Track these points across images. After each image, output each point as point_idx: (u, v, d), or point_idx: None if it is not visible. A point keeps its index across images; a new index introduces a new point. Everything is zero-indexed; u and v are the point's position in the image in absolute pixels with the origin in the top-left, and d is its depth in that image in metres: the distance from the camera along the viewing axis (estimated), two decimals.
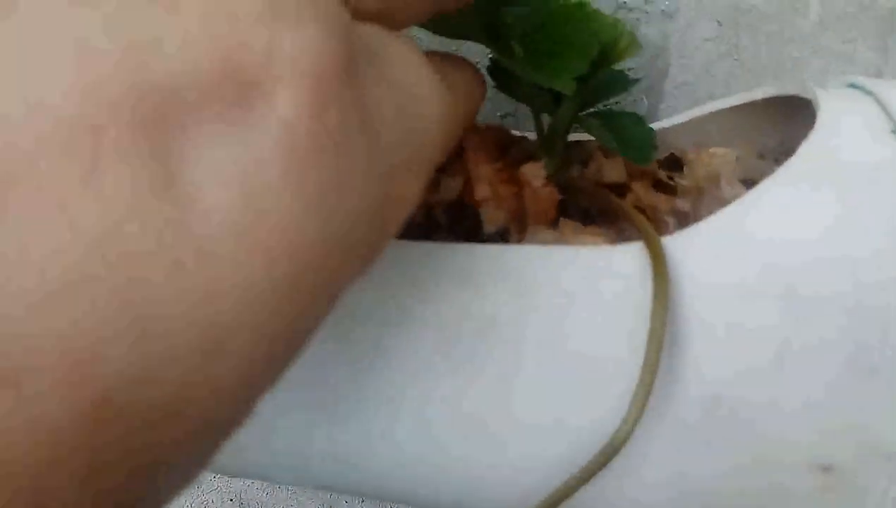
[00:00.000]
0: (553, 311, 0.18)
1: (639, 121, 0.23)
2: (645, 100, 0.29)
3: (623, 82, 0.24)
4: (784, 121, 0.25)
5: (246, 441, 0.19)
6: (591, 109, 0.23)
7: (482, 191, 0.21)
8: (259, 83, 0.08)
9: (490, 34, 0.19)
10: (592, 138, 0.28)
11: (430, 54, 0.15)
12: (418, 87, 0.12)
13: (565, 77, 0.18)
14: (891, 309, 0.17)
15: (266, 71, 0.08)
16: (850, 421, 0.17)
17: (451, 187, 0.22)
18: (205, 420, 0.09)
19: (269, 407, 0.19)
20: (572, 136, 0.27)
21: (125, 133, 0.07)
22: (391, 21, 0.13)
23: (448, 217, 0.21)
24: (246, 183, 0.08)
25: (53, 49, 0.07)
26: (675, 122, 0.27)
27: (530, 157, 0.24)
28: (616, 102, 0.29)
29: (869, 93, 0.20)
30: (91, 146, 0.07)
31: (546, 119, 0.23)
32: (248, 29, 0.08)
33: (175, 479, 0.09)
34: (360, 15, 0.12)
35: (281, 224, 0.08)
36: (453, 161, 0.23)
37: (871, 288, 0.17)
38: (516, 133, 0.26)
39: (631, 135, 0.22)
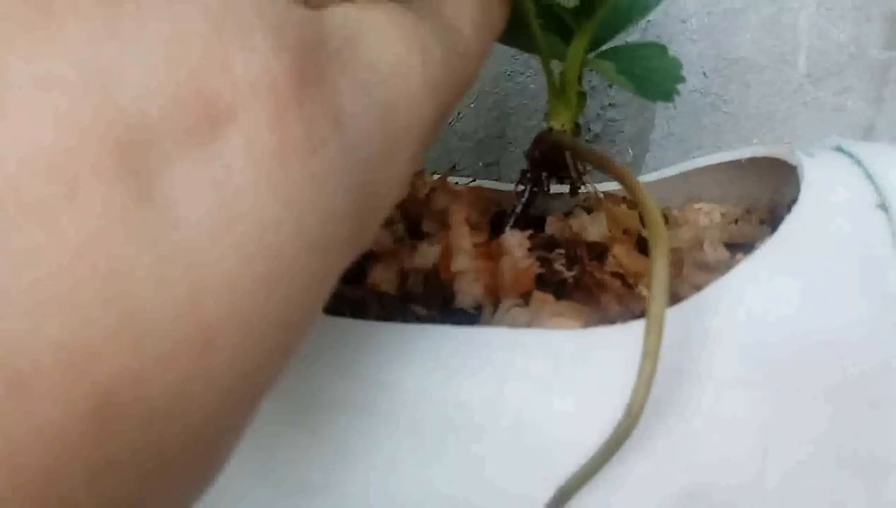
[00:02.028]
0: (525, 398, 0.17)
1: (661, 51, 0.21)
2: (630, 150, 0.28)
3: (631, 12, 0.22)
4: (772, 178, 0.25)
5: None
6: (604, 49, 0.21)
7: (461, 263, 0.20)
8: (218, 104, 0.09)
9: None
10: (576, 190, 0.27)
11: None
12: (396, 66, 0.12)
13: None
14: (881, 398, 0.16)
15: (223, 94, 0.09)
16: None
17: (428, 255, 0.21)
18: (204, 415, 0.09)
19: (233, 489, 0.19)
20: (554, 188, 0.27)
21: (99, 155, 0.08)
22: None
23: (423, 288, 0.21)
24: (218, 191, 0.09)
25: (26, 82, 0.08)
26: (662, 176, 0.26)
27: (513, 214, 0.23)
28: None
29: (857, 163, 0.20)
30: (68, 166, 0.08)
31: (557, 71, 0.21)
32: (201, 54, 0.09)
33: (181, 482, 0.09)
34: None
35: (254, 226, 0.09)
36: (435, 229, 0.22)
37: (860, 377, 0.16)
38: (498, 186, 0.26)
39: (652, 70, 0.20)
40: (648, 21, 0.27)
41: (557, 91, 0.21)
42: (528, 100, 0.29)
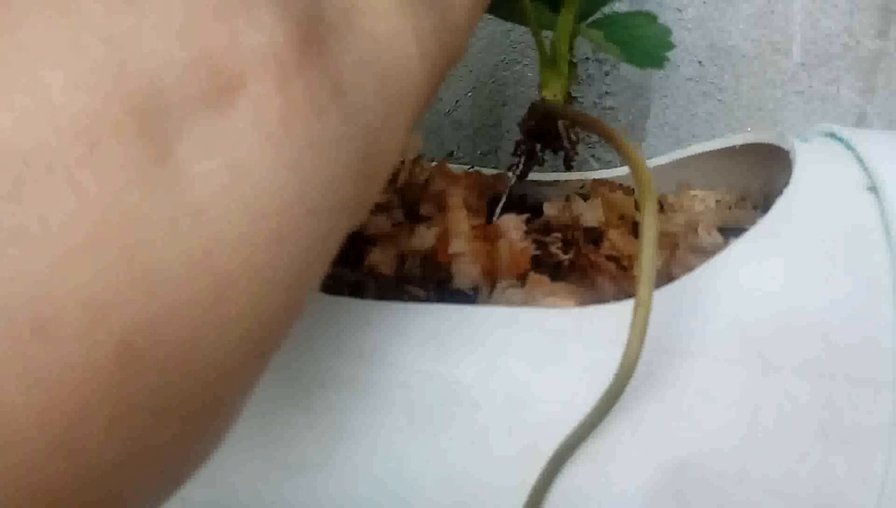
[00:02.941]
0: (519, 374, 0.17)
1: (651, 19, 0.21)
2: (626, 138, 0.28)
3: None
4: (765, 164, 0.25)
5: (200, 499, 0.19)
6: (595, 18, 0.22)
7: (458, 245, 0.20)
8: (229, 72, 0.09)
9: None
10: (570, 178, 0.27)
11: None
12: (392, 37, 0.13)
13: None
14: (862, 376, 0.16)
15: (232, 62, 0.10)
16: (820, 492, 0.16)
17: (426, 237, 0.21)
18: (215, 365, 0.10)
19: (233, 466, 0.19)
20: (549, 176, 0.27)
21: (119, 117, 0.08)
22: None
23: (420, 269, 0.21)
24: (228, 155, 0.09)
25: (50, 50, 0.08)
26: (658, 163, 0.27)
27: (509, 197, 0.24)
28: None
29: (848, 147, 0.20)
30: (91, 128, 0.08)
31: (548, 42, 0.22)
32: (211, 26, 0.09)
33: (191, 433, 0.10)
34: None
35: (261, 186, 0.10)
36: (433, 212, 0.22)
37: (842, 353, 0.17)
38: (496, 172, 0.26)
39: (641, 37, 0.21)
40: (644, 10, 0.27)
41: (548, 61, 0.21)
42: (526, 89, 0.29)
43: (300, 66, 0.10)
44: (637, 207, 0.25)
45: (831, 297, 0.17)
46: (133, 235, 0.08)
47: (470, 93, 0.30)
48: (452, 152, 0.23)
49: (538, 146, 0.22)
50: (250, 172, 0.10)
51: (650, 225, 0.15)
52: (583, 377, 0.17)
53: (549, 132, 0.22)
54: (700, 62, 0.27)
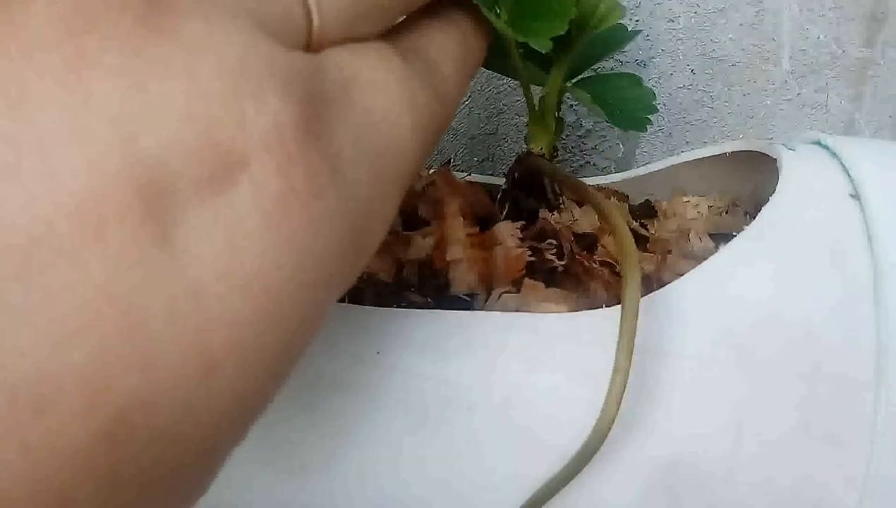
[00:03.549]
0: (515, 377, 0.18)
1: (636, 82, 0.22)
2: (621, 145, 0.29)
3: (608, 44, 0.23)
4: (756, 171, 0.26)
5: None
6: (584, 76, 0.23)
7: (455, 252, 0.21)
8: (233, 154, 0.10)
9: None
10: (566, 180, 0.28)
11: (418, 18, 0.15)
12: (388, 111, 0.13)
13: (542, 36, 0.17)
14: (844, 376, 0.17)
15: (237, 144, 0.10)
16: (805, 490, 0.17)
17: (423, 246, 0.22)
18: (207, 436, 0.10)
19: (234, 469, 0.19)
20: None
21: (124, 200, 0.09)
22: (364, 33, 0.13)
23: (418, 276, 0.22)
24: (228, 235, 0.10)
25: (61, 131, 0.09)
26: (652, 170, 0.27)
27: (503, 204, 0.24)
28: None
29: (833, 154, 0.21)
30: (97, 211, 0.08)
31: (537, 96, 0.22)
32: (217, 109, 0.10)
33: (178, 495, 0.10)
34: (329, 42, 0.13)
35: (259, 266, 0.10)
36: (428, 222, 0.23)
37: (826, 354, 0.17)
38: (493, 181, 0.26)
39: (626, 99, 0.21)
40: (637, 20, 0.28)
41: (537, 116, 0.22)
42: (521, 98, 0.30)
43: (302, 147, 0.10)
44: (632, 215, 0.26)
45: (814, 301, 0.17)
46: (132, 316, 0.09)
47: (467, 102, 0.30)
48: (450, 160, 0.24)
49: (524, 193, 0.23)
50: (247, 253, 0.10)
51: (632, 298, 0.16)
52: (576, 379, 0.18)
53: (534, 183, 0.23)
54: (692, 71, 0.28)
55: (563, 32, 0.17)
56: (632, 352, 0.16)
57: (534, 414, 0.18)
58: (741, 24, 0.27)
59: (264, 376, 0.11)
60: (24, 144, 0.08)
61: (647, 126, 0.21)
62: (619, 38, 0.24)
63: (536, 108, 0.22)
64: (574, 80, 0.23)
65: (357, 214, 0.12)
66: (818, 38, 0.26)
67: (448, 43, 0.16)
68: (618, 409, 0.16)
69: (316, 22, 0.12)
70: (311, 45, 0.12)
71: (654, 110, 0.21)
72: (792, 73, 0.27)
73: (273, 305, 0.10)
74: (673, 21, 0.27)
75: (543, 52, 0.17)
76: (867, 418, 0.16)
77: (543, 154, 0.22)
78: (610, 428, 0.16)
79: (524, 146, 0.23)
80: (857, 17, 0.26)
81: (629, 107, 0.21)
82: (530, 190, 0.23)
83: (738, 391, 0.17)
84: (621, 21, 0.20)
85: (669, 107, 0.28)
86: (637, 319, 0.16)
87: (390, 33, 0.15)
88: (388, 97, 0.13)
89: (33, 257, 0.08)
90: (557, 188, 0.23)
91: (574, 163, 0.30)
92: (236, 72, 0.10)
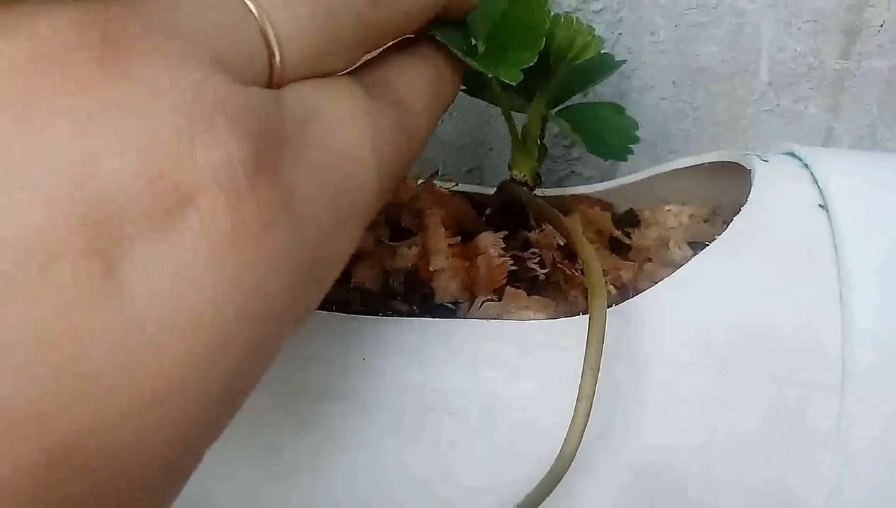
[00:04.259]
0: (496, 384, 0.18)
1: (617, 111, 0.22)
2: None
3: (592, 73, 0.23)
4: (734, 181, 0.26)
5: (189, 506, 0.20)
6: (567, 104, 0.23)
7: (438, 262, 0.22)
8: (182, 189, 0.10)
9: (456, 33, 0.19)
10: (549, 194, 0.29)
11: (390, 53, 0.15)
12: (349, 145, 0.13)
13: (513, 68, 0.18)
14: (817, 380, 0.18)
15: (187, 180, 0.10)
16: (775, 491, 0.17)
17: (407, 256, 0.22)
18: (155, 466, 0.10)
19: (222, 472, 0.20)
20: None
21: (72, 238, 0.09)
22: (330, 69, 0.13)
23: (404, 285, 0.22)
24: (175, 269, 0.10)
25: (12, 172, 0.09)
26: (635, 179, 0.28)
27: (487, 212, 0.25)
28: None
29: (805, 166, 0.21)
30: (43, 246, 0.09)
31: (520, 124, 0.23)
32: (168, 145, 0.10)
33: None
34: (292, 77, 0.13)
35: (203, 301, 0.10)
36: (413, 233, 0.23)
37: (794, 359, 0.18)
38: (480, 190, 0.27)
39: (607, 129, 0.22)
40: (619, 34, 0.29)
41: (520, 144, 0.23)
42: None
43: (252, 183, 0.10)
44: (614, 224, 0.27)
45: (783, 307, 0.18)
46: (75, 347, 0.09)
47: (455, 112, 0.31)
48: (437, 171, 0.24)
49: (508, 219, 0.24)
50: (193, 288, 0.10)
51: (596, 336, 0.17)
52: (554, 384, 0.18)
53: (517, 211, 0.23)
54: (674, 82, 0.29)
55: (531, 64, 0.18)
56: (596, 378, 0.17)
57: (514, 418, 0.18)
58: (721, 38, 0.28)
59: (213, 407, 0.11)
60: None
61: (629, 155, 0.21)
62: (604, 66, 0.24)
63: (519, 136, 0.23)
64: (557, 109, 0.23)
65: (315, 247, 0.12)
66: (796, 50, 0.27)
67: (417, 77, 0.16)
68: (580, 442, 0.16)
69: (277, 58, 0.12)
70: (273, 80, 0.12)
71: (635, 141, 0.21)
72: (771, 85, 0.28)
73: (220, 339, 0.10)
74: (655, 34, 0.28)
75: (513, 84, 0.17)
76: (832, 421, 0.17)
77: (526, 181, 0.23)
78: (573, 457, 0.16)
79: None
80: (834, 29, 0.27)
81: (610, 137, 0.22)
82: (513, 217, 0.24)
83: (710, 394, 0.18)
84: (605, 50, 0.21)
85: (652, 118, 0.29)
86: (601, 354, 0.17)
87: (359, 68, 0.15)
88: (349, 131, 0.13)
89: None
90: (540, 216, 0.24)
91: (559, 173, 0.31)
92: (189, 109, 0.10)
